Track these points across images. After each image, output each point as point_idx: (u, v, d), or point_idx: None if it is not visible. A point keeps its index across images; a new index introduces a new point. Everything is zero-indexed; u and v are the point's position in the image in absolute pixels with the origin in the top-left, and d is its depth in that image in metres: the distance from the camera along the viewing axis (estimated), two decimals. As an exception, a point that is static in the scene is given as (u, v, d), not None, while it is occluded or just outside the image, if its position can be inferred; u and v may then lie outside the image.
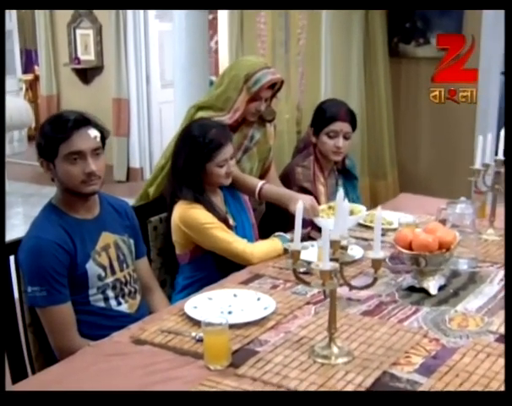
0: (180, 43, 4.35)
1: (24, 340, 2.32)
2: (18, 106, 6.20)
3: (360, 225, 2.96)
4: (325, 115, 3.18)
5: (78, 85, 7.72)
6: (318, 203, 3.02)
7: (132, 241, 2.46)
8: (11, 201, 6.28)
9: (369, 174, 5.47)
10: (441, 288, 2.30)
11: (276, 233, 2.72)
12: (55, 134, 2.20)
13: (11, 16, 8.88)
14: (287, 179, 3.14)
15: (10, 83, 8.96)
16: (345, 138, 3.18)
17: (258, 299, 2.18)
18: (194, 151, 2.64)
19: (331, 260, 1.76)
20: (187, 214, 2.62)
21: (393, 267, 2.50)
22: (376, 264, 1.76)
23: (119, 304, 2.34)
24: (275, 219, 3.02)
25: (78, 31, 7.62)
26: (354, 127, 3.22)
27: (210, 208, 2.64)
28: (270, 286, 2.36)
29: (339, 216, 1.80)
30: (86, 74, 7.68)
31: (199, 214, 2.61)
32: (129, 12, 7.16)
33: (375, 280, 1.78)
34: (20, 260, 2.23)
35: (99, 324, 2.25)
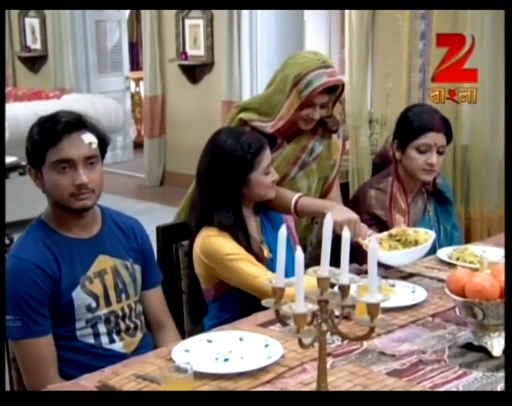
0: (268, 36, 4.37)
1: (9, 379, 2.40)
2: (105, 105, 6.47)
3: (442, 262, 2.85)
4: (413, 125, 3.10)
5: (185, 84, 7.93)
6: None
7: (138, 267, 2.50)
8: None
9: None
10: (510, 348, 2.16)
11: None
12: (42, 137, 2.29)
13: (120, 4, 9.23)
14: (356, 204, 3.04)
15: (115, 81, 9.36)
16: (439, 153, 3.11)
17: (266, 346, 2.15)
18: (234, 163, 2.65)
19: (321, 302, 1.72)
20: (208, 243, 2.63)
21: (459, 318, 2.39)
22: (371, 310, 1.70)
23: (112, 341, 2.39)
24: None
25: (188, 21, 7.80)
26: (449, 139, 3.13)
27: (242, 237, 2.64)
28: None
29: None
30: (194, 72, 7.86)
31: (222, 243, 2.62)
32: (245, -1, 7.28)
33: (371, 330, 1.72)
34: (-3, 283, 2.32)
35: (85, 364, 2.29)
